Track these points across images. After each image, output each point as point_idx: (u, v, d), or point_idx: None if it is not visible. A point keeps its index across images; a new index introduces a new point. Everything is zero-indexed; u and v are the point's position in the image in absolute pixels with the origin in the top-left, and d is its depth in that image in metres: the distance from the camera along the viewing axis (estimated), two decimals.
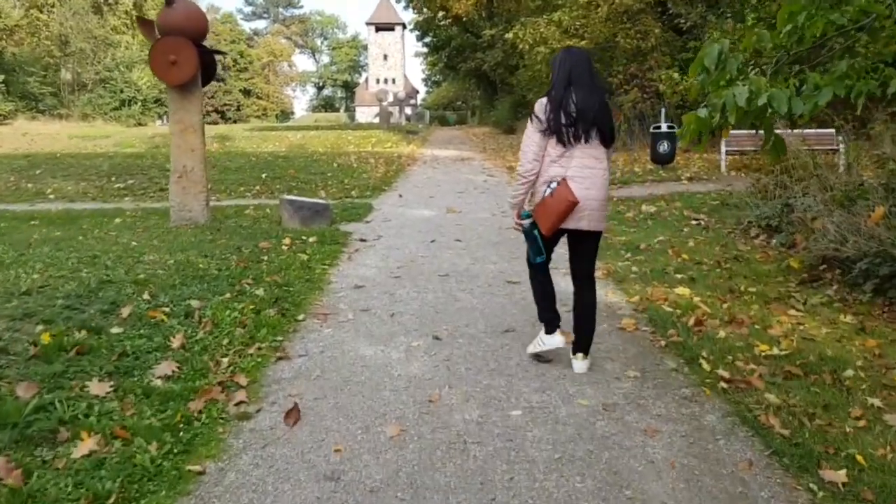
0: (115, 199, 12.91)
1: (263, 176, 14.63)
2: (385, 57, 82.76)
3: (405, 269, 6.90)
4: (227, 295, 5.49)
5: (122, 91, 56.68)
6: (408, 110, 75.09)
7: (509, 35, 22.81)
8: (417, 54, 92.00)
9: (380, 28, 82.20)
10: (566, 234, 4.03)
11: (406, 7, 54.12)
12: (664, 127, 14.83)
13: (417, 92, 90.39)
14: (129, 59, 57.96)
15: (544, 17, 21.90)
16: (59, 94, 56.26)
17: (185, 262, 6.42)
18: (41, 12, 55.94)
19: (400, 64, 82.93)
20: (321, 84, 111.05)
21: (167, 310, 5.02)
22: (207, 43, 9.91)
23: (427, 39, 58.47)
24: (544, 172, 3.92)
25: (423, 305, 5.66)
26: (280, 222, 9.24)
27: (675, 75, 16.93)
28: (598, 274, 4.55)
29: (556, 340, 4.23)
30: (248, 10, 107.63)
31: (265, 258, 6.94)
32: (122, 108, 56.39)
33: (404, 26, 78.90)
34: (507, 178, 15.37)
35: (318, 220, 9.24)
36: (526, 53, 25.74)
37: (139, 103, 57.18)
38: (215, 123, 63.38)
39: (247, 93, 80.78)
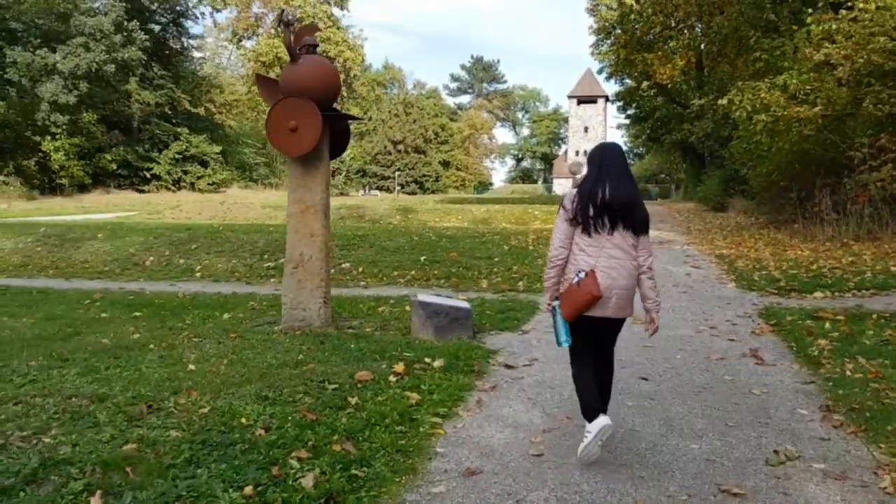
0: (260, 281, 11.62)
1: (422, 259, 12.80)
2: (585, 129, 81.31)
3: (554, 438, 4.48)
4: (248, 490, 3.38)
5: None
6: None
7: (723, 101, 19.82)
8: (619, 126, 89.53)
9: (581, 101, 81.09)
10: (593, 322, 4.10)
11: (608, 78, 52.17)
12: None
13: None
14: None
15: (766, 80, 18.79)
16: (272, 164, 59.63)
17: (225, 410, 4.44)
18: None
19: (601, 136, 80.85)
20: (520, 156, 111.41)
21: None
22: (344, 108, 8.23)
23: (630, 111, 56.07)
24: (574, 261, 4.11)
25: None
26: (409, 331, 7.18)
27: None
28: None
29: (601, 421, 4.02)
30: (454, 85, 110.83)
31: (354, 399, 4.83)
32: None
33: (607, 98, 77.18)
34: (718, 272, 12.44)
35: (457, 330, 7.06)
36: (741, 122, 22.61)
37: (343, 174, 59.58)
38: (413, 193, 64.34)
39: (446, 164, 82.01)
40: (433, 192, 71.36)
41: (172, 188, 46.52)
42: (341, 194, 56.96)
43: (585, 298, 3.96)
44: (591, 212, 4.01)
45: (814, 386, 5.56)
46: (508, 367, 6.16)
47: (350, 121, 8.03)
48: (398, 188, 71.25)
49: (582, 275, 4.00)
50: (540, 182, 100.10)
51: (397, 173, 73.59)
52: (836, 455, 4.18)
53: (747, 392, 5.43)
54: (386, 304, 8.84)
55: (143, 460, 3.58)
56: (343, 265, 12.50)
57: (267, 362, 5.70)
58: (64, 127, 39.07)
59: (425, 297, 7.30)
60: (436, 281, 11.23)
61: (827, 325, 7.42)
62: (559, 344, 4.21)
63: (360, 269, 12.16)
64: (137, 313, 8.23)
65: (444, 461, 4.07)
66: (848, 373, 5.70)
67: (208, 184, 48.02)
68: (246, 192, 49.21)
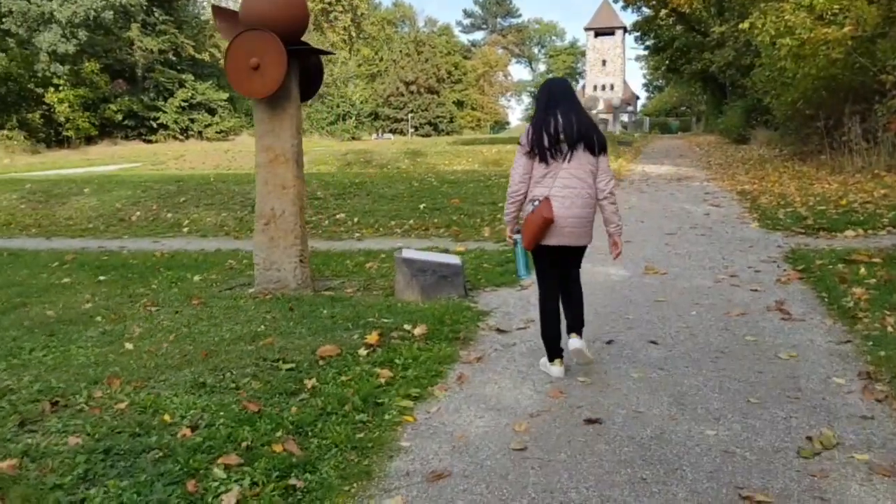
0: (249, 235, 10.89)
1: (422, 206, 12.02)
2: (604, 62, 79.18)
3: (542, 426, 3.77)
4: None
5: (338, 106, 58.12)
6: (625, 117, 70.68)
7: (744, 25, 18.54)
8: (638, 58, 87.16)
9: (599, 33, 78.80)
10: (553, 252, 4.30)
11: (625, 7, 50.16)
12: None
13: (637, 98, 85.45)
14: (346, 75, 59.34)
15: (790, 1, 17.48)
16: None
17: (147, 404, 3.75)
18: None
19: (619, 69, 78.79)
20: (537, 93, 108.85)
21: None
22: (319, 42, 7.38)
23: (648, 42, 54.06)
24: (530, 192, 4.21)
25: None
26: (393, 292, 6.47)
27: None
28: None
29: (557, 371, 4.43)
30: (467, 21, 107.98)
31: (311, 382, 4.15)
32: (337, 123, 57.80)
33: (625, 30, 74.80)
34: (739, 210, 11.57)
35: (446, 289, 6.35)
36: (764, 49, 21.34)
37: (353, 118, 58.34)
38: (428, 136, 63.13)
39: (460, 104, 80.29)
40: (448, 133, 69.93)
41: (180, 137, 45.75)
42: (353, 139, 55.84)
43: (539, 222, 4.09)
44: (546, 141, 4.12)
45: (850, 346, 4.80)
46: (500, 331, 5.45)
47: (323, 55, 7.17)
48: (412, 131, 69.93)
49: (536, 202, 4.14)
50: None
51: (410, 115, 72.12)
52: (882, 440, 3.45)
53: (773, 356, 4.68)
54: (376, 260, 8.12)
55: (19, 481, 2.90)
56: (337, 216, 11.78)
57: (220, 336, 5.02)
58: (66, 78, 38.22)
59: (410, 252, 6.56)
60: (435, 230, 10.48)
61: (862, 269, 6.61)
62: (519, 276, 4.57)
63: (356, 220, 11.43)
64: (103, 277, 7.58)
65: (407, 460, 3.39)
66: (890, 328, 4.93)
67: (216, 132, 47.17)
68: (254, 139, 48.28)
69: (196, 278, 7.29)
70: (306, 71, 6.88)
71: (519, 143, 4.28)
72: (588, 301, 6.08)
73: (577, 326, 4.46)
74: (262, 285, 6.76)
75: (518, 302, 6.34)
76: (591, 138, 4.18)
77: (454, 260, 6.48)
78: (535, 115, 4.26)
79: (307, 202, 6.65)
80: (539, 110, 4.25)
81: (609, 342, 5.11)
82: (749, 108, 30.96)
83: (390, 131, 70.99)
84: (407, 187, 13.67)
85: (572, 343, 4.39)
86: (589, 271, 7.43)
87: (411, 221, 11.08)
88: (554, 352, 4.44)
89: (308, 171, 23.89)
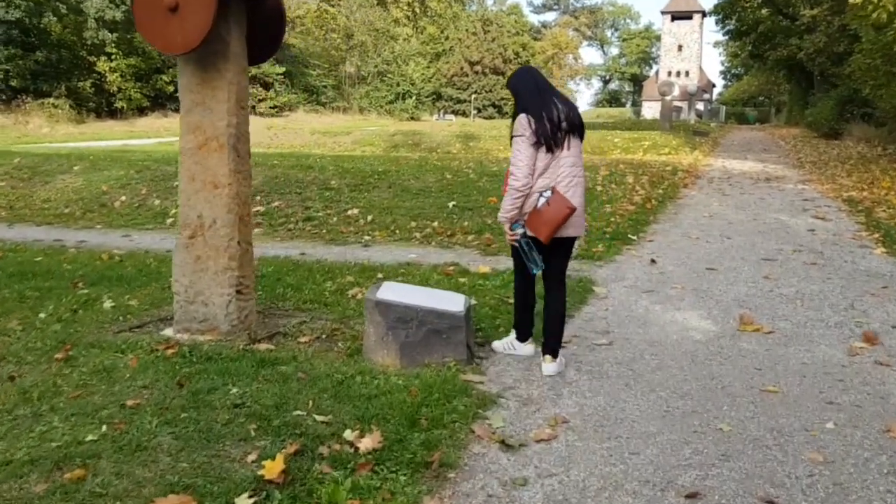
0: None
1: (451, 205, 9.85)
2: (679, 48, 75.23)
3: None
4: None
5: (398, 84, 56.11)
6: (700, 106, 66.84)
7: (856, 0, 15.67)
8: (717, 44, 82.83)
9: (676, 17, 74.81)
10: (556, 244, 4.15)
11: None
12: None
13: (713, 86, 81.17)
14: (407, 53, 57.27)
15: None
16: (341, 86, 56.67)
17: None
18: (330, 5, 56.57)
19: (696, 55, 74.74)
20: (607, 77, 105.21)
21: None
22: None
23: (729, 26, 50.37)
24: (535, 184, 4.03)
25: None
26: (360, 351, 4.35)
27: None
28: None
29: (529, 349, 4.47)
30: (538, 1, 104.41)
31: None
32: (396, 102, 55.80)
33: (703, 14, 70.83)
34: (852, 226, 9.08)
35: (438, 349, 4.21)
36: (865, 35, 18.56)
37: (413, 97, 56.29)
38: (491, 118, 60.71)
39: None
40: (512, 116, 67.24)
41: None
42: (412, 119, 53.78)
43: (564, 214, 3.98)
44: (549, 129, 3.97)
45: None
46: (506, 446, 3.28)
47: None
48: (474, 112, 67.51)
49: (547, 194, 4.00)
50: (628, 105, 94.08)
51: (473, 96, 69.62)
52: None
53: None
54: (369, 282, 6.03)
55: None
56: (349, 212, 9.71)
57: (12, 453, 2.96)
58: (116, 46, 37.04)
59: (389, 291, 4.41)
60: (462, 238, 8.32)
61: None
62: (532, 273, 4.21)
63: (369, 219, 9.34)
64: (6, 291, 5.66)
65: None
66: None
67: (270, 107, 45.56)
68: (311, 116, 46.74)
69: (108, 305, 5.30)
70: (258, 18, 4.78)
71: (516, 135, 4.04)
72: (657, 380, 3.87)
73: (554, 345, 4.24)
74: (182, 324, 4.73)
75: (548, 381, 4.16)
76: (582, 124, 4.15)
77: (455, 306, 4.30)
78: (527, 102, 4.06)
79: (250, 208, 4.55)
80: (530, 98, 4.07)
81: (691, 497, 2.88)
82: (843, 99, 27.77)
83: (452, 112, 68.73)
84: (437, 179, 11.47)
85: (548, 368, 4.21)
86: (658, 321, 5.19)
87: (435, 224, 8.94)
88: (526, 333, 4.50)
89: (351, 152, 22.09)
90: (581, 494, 2.89)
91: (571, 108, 4.07)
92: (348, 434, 3.20)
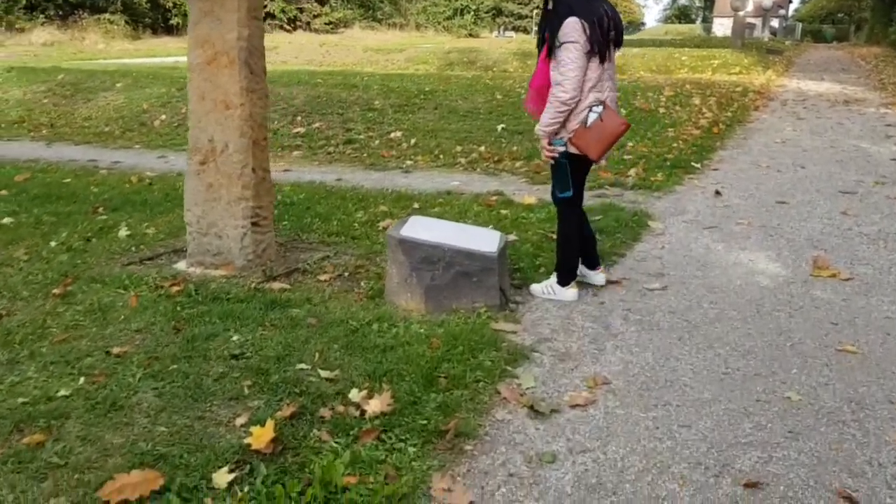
0: (281, 153, 8.59)
1: (500, 128, 9.25)
2: None
3: None
4: None
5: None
6: (774, 23, 63.25)
7: None
8: None
9: None
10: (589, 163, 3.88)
11: None
12: None
13: (790, 1, 76.61)
14: None
15: None
16: (397, 2, 55.15)
17: None
18: None
19: None
20: None
21: None
22: None
23: None
24: (583, 98, 3.65)
25: None
26: (382, 293, 3.94)
27: None
28: None
29: (572, 294, 4.03)
30: None
31: None
32: (454, 18, 54.20)
33: None
34: None
35: (467, 293, 3.77)
36: None
37: (472, 13, 54.59)
38: None
39: None
40: (542, 21, 64.65)
41: (288, 28, 43.56)
42: (470, 35, 52.21)
43: (620, 131, 3.71)
44: (601, 35, 3.59)
45: None
46: (535, 412, 2.85)
47: None
48: (535, 29, 65.31)
49: (599, 108, 3.66)
50: (698, 22, 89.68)
51: (535, 12, 67.17)
52: None
53: None
54: (406, 210, 5.59)
55: None
56: (392, 135, 9.21)
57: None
58: None
59: (416, 226, 3.96)
60: (509, 163, 7.77)
61: None
62: (561, 196, 3.89)
63: (413, 142, 8.83)
64: (10, 219, 5.39)
65: None
66: None
67: (325, 23, 44.63)
68: (366, 33, 45.64)
69: (124, 234, 4.99)
70: None
71: (568, 41, 3.53)
72: (715, 333, 3.41)
73: (598, 260, 4.26)
74: (195, 257, 4.39)
75: (588, 322, 3.70)
76: (623, 31, 3.82)
77: (488, 246, 3.83)
78: (574, 3, 3.56)
79: (266, 131, 4.12)
80: (579, 2, 3.56)
81: (751, 487, 2.42)
82: None
83: (513, 29, 66.55)
84: (487, 100, 10.81)
85: (601, 278, 4.22)
86: (720, 262, 4.65)
87: (482, 149, 8.39)
88: (574, 275, 4.11)
89: (402, 70, 21.33)
90: (618, 477, 2.47)
91: (615, 12, 3.71)
92: (354, 394, 2.82)
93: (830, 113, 11.87)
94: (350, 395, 2.81)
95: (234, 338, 3.25)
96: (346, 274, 4.31)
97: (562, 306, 3.96)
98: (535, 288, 4.13)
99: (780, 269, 4.56)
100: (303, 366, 3.03)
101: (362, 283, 4.16)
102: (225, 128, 4.20)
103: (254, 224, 4.30)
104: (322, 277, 4.22)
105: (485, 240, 3.95)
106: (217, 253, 4.33)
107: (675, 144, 8.56)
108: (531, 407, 2.89)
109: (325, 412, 2.72)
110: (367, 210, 5.79)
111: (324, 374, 2.97)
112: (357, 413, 2.73)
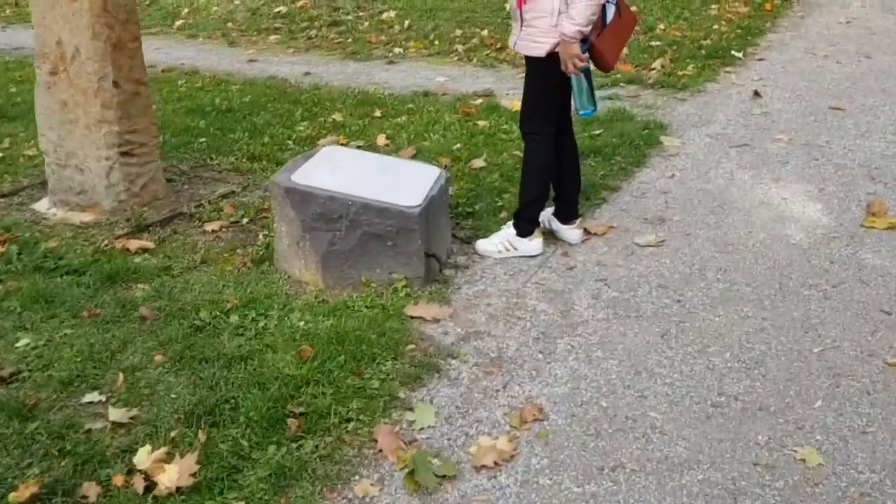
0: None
1: (508, 6, 7.89)
2: None
3: None
4: None
5: None
6: None
7: None
8: None
9: None
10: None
11: None
12: None
13: None
14: None
15: None
16: None
17: None
18: None
19: None
20: None
21: None
22: None
23: None
24: None
25: None
26: (270, 253, 2.96)
27: None
28: None
29: (537, 245, 3.10)
30: None
31: None
32: None
33: None
34: None
35: (384, 261, 2.78)
36: None
37: None
38: None
39: None
40: None
41: None
42: None
43: (631, 28, 3.13)
44: None
45: None
46: (415, 486, 1.91)
47: None
48: None
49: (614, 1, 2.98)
50: None
51: None
52: None
53: None
54: (364, 120, 4.54)
55: None
56: (385, 15, 7.93)
57: None
58: None
59: (317, 167, 2.92)
60: (513, 52, 6.51)
61: None
62: (584, 115, 3.09)
63: (406, 24, 7.57)
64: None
65: None
66: None
67: None
68: None
69: None
70: None
71: None
72: (716, 329, 2.74)
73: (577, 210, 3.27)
74: (57, 195, 3.45)
75: (540, 301, 2.71)
76: None
77: (410, 198, 2.78)
78: None
79: (137, 29, 3.06)
80: None
81: None
82: None
83: None
84: None
85: (577, 235, 3.20)
86: (741, 203, 3.53)
87: (485, 33, 7.12)
88: (536, 224, 3.14)
89: None
90: None
91: None
92: (143, 456, 1.90)
93: None
94: (135, 461, 1.90)
95: (21, 342, 2.34)
96: (246, 220, 3.33)
97: (515, 274, 2.95)
98: (483, 245, 3.11)
99: (821, 215, 3.42)
100: (92, 397, 2.12)
101: (260, 237, 3.18)
102: (73, 25, 3.14)
103: (124, 154, 3.31)
104: (209, 227, 3.25)
105: (411, 185, 2.90)
106: (81, 191, 3.38)
107: (715, 26, 7.12)
108: (412, 473, 1.95)
109: (91, 489, 1.82)
110: (314, 120, 4.73)
111: (115, 415, 2.05)
112: (141, 489, 1.83)
